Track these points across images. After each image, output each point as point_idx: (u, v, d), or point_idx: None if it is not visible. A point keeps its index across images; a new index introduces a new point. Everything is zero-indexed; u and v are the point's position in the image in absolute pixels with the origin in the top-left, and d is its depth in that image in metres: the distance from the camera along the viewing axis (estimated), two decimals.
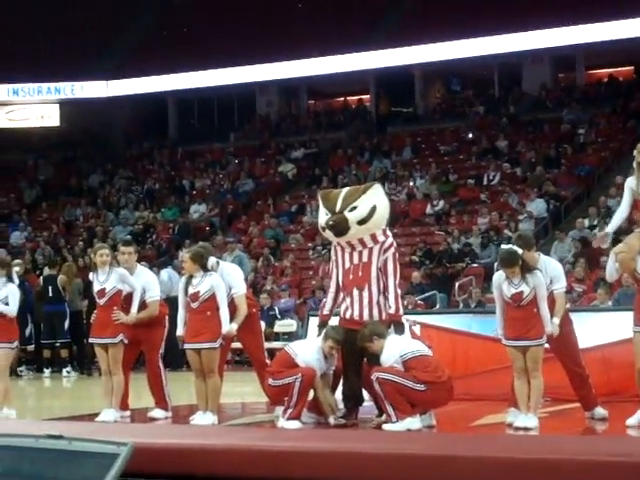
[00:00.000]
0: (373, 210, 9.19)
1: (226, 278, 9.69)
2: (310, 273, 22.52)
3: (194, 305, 9.35)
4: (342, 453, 6.82)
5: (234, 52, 31.41)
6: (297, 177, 29.39)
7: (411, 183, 26.08)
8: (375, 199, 9.29)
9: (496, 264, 19.46)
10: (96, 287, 9.89)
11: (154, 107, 35.14)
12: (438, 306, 18.51)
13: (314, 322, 12.32)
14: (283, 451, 6.95)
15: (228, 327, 9.33)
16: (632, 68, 30.90)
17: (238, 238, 25.11)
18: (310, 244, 23.91)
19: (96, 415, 9.92)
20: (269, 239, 24.76)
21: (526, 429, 8.48)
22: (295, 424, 8.90)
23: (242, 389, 13.98)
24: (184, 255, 9.59)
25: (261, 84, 32.66)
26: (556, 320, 8.74)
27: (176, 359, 15.83)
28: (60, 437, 5.47)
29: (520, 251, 8.71)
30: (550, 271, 8.95)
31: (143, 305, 9.98)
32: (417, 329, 11.36)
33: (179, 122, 35.49)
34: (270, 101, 34.22)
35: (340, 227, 9.13)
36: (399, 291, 9.23)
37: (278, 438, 7.89)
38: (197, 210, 27.96)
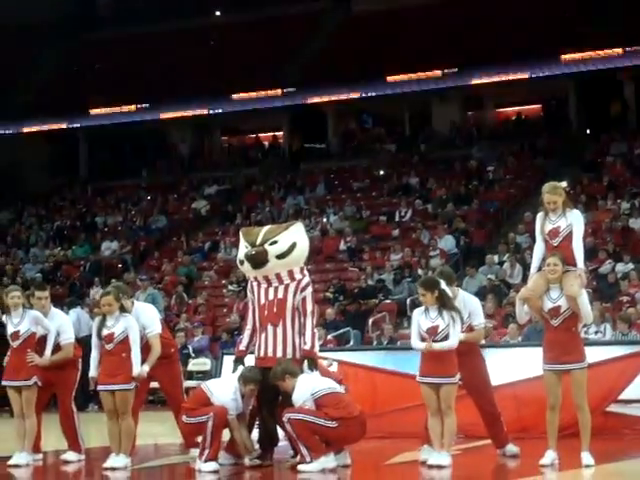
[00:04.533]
0: (293, 246, 9.34)
1: (140, 318, 9.62)
2: (224, 310, 22.44)
3: (109, 347, 9.26)
4: None
5: (146, 88, 31.36)
6: (210, 214, 29.33)
7: (324, 219, 26.24)
8: (296, 236, 9.44)
9: (409, 300, 19.76)
10: (10, 329, 9.75)
11: (64, 143, 34.77)
12: (352, 342, 18.58)
13: (228, 360, 12.30)
14: None
15: (139, 369, 9.23)
16: (540, 106, 31.60)
17: (151, 275, 24.93)
18: (224, 281, 23.84)
19: (7, 458, 9.76)
20: (182, 276, 24.63)
21: (439, 467, 8.59)
22: (212, 466, 8.89)
23: (155, 429, 13.83)
24: (105, 297, 9.42)
25: (174, 120, 32.59)
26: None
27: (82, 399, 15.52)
28: None
29: (441, 282, 8.85)
30: (469, 306, 9.17)
31: (57, 347, 9.86)
32: (334, 368, 11.41)
33: (90, 158, 35.13)
34: (183, 137, 34.15)
35: (259, 258, 9.23)
36: (316, 330, 9.33)
37: None
38: (109, 247, 27.70)
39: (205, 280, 24.69)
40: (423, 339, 8.75)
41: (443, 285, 8.85)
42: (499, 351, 14.93)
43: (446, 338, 8.70)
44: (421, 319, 8.80)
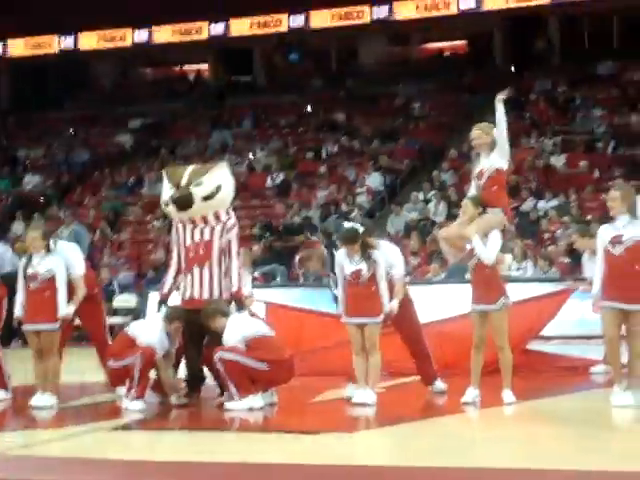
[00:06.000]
0: (219, 188, 9.32)
1: (63, 258, 9.55)
2: (149, 247, 22.31)
3: (33, 285, 9.19)
4: None
5: (69, 18, 30.69)
6: (135, 148, 29.00)
7: (251, 155, 26.11)
8: (221, 178, 9.42)
9: (335, 237, 19.82)
10: None
11: None
12: (278, 279, 18.63)
13: (153, 297, 12.28)
14: None
15: (65, 310, 9.21)
16: (465, 42, 31.66)
17: (74, 210, 24.64)
18: (149, 217, 23.67)
19: None
20: (106, 211, 24.39)
21: (364, 404, 8.73)
22: (139, 404, 8.93)
23: (80, 364, 13.83)
24: (31, 234, 9.34)
25: (96, 51, 32.03)
26: (395, 302, 9.00)
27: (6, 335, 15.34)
28: None
29: (361, 229, 8.92)
30: (389, 258, 9.19)
31: None
32: (262, 306, 11.47)
33: (11, 89, 34.43)
34: (105, 69, 33.58)
35: (184, 201, 9.20)
36: (242, 271, 9.35)
37: None
38: (31, 181, 27.27)
39: (130, 216, 24.48)
40: (348, 282, 8.86)
41: (360, 229, 8.91)
42: (422, 288, 15.23)
43: (370, 280, 8.80)
44: (345, 263, 8.89)
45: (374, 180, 23.11)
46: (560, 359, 11.23)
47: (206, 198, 9.21)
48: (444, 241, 9.16)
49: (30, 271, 9.21)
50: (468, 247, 8.75)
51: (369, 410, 8.65)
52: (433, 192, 21.58)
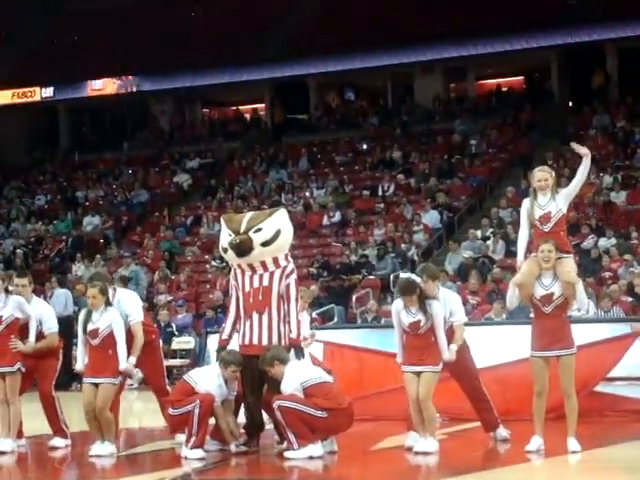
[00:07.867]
0: (278, 233, 9.28)
1: (122, 306, 9.56)
2: (207, 287, 22.35)
3: (94, 342, 9.17)
4: None
5: (127, 60, 31.10)
6: (193, 188, 29.16)
7: (307, 194, 26.13)
8: (280, 223, 9.39)
9: (392, 276, 19.71)
10: None
11: (45, 115, 34.52)
12: (336, 319, 18.55)
13: (212, 339, 12.25)
14: None
15: (125, 364, 9.19)
16: (522, 78, 31.53)
17: (133, 250, 24.81)
18: (207, 256, 23.74)
19: None
20: (165, 252, 24.48)
21: (426, 453, 8.58)
22: (198, 453, 8.87)
23: (139, 406, 13.85)
24: (90, 291, 9.33)
25: (155, 92, 32.39)
26: (454, 347, 8.86)
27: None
28: None
29: (418, 280, 8.80)
30: (449, 304, 9.07)
31: (40, 336, 9.79)
32: (319, 347, 11.38)
33: (70, 131, 34.88)
34: (164, 110, 33.91)
35: (244, 246, 9.16)
36: (300, 317, 9.29)
37: None
38: (90, 222, 27.51)
39: (188, 255, 24.57)
40: (406, 333, 8.74)
41: (419, 280, 8.79)
42: (482, 329, 15.01)
43: (428, 331, 8.67)
44: (402, 315, 8.76)
45: (431, 218, 22.97)
46: (625, 401, 10.99)
47: (265, 244, 9.18)
48: (517, 287, 8.86)
49: (90, 327, 9.20)
50: (541, 293, 8.53)
51: (431, 459, 8.49)
52: (491, 229, 21.40)
